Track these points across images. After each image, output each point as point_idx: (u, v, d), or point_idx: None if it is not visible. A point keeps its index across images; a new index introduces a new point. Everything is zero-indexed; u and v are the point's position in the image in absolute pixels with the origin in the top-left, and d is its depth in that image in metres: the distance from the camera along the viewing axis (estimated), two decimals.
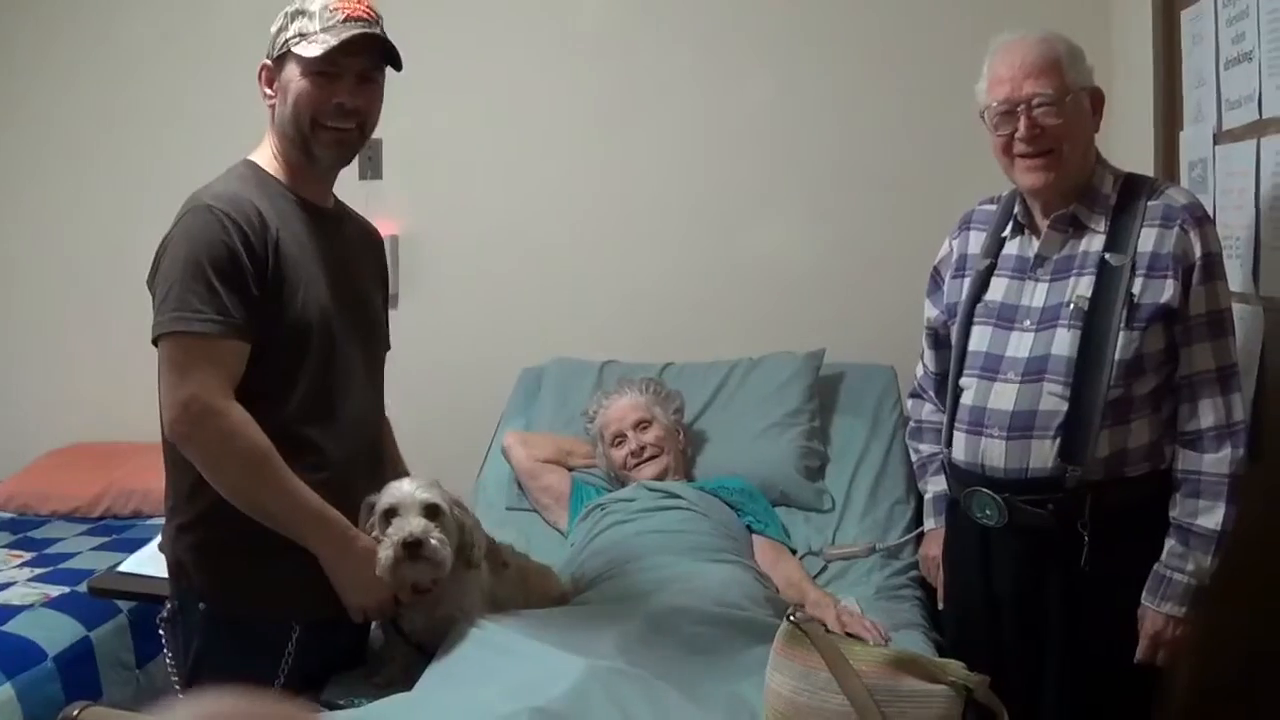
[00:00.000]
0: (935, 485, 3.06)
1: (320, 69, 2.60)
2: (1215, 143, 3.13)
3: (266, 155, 2.72)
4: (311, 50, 2.58)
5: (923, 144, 4.39)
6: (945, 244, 3.00)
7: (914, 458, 3.20)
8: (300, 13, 2.63)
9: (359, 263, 2.87)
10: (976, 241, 2.88)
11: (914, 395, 3.18)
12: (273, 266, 2.55)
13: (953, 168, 4.00)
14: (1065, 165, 2.64)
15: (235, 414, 2.47)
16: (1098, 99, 2.69)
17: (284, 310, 2.57)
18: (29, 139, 5.07)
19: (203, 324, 2.45)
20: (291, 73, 2.63)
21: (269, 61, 2.67)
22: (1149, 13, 3.59)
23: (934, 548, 3.11)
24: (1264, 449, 2.75)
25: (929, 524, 3.15)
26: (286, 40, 2.62)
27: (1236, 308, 2.71)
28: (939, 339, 3.00)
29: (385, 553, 2.59)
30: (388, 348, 3.03)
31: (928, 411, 3.10)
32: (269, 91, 2.68)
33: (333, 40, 2.58)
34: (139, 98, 4.91)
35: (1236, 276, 2.90)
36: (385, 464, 2.86)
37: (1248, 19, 2.92)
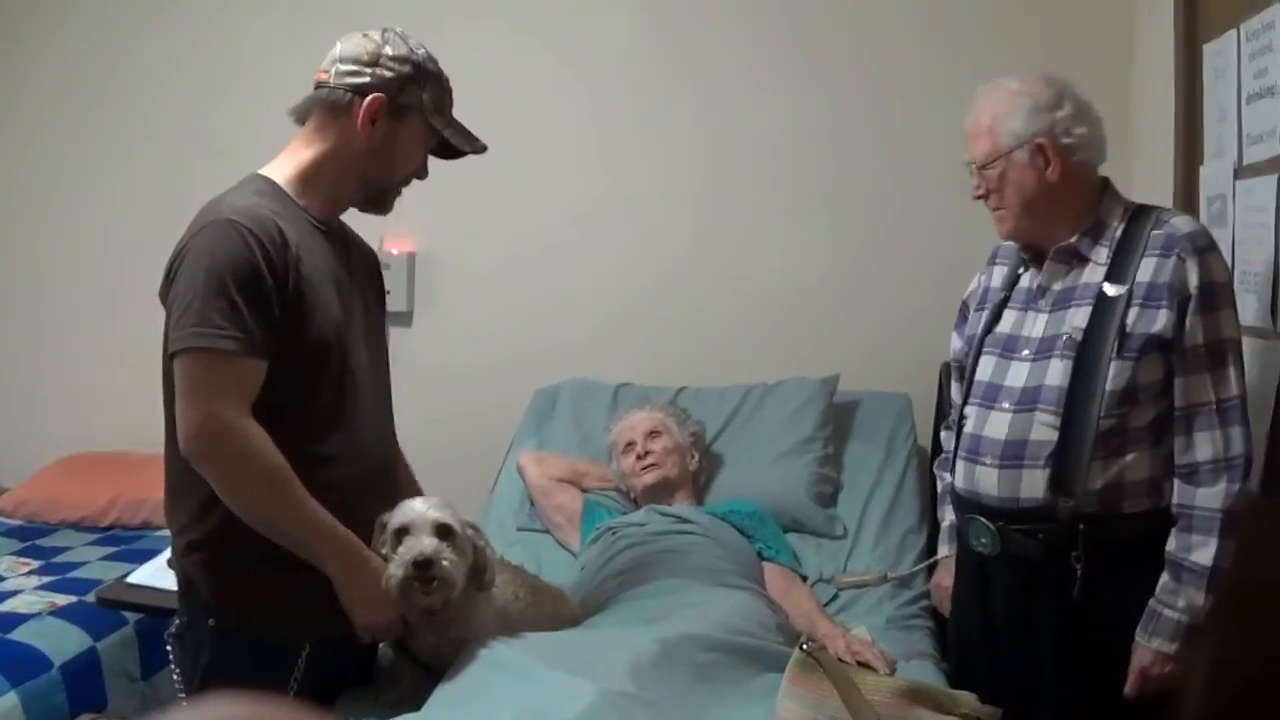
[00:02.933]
0: (950, 514, 3.06)
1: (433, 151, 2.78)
2: (1236, 177, 3.11)
3: (285, 172, 2.68)
4: (458, 142, 2.74)
5: (939, 171, 4.34)
6: (975, 278, 3.03)
7: (939, 486, 3.21)
8: (429, 76, 2.68)
9: (364, 281, 2.87)
10: (999, 275, 2.92)
11: (946, 427, 3.18)
12: (293, 285, 2.53)
13: (969, 197, 3.98)
14: (1019, 219, 2.71)
15: (253, 433, 2.46)
16: (1052, 148, 2.65)
17: (303, 329, 2.55)
18: (47, 154, 5.07)
19: (224, 341, 2.43)
20: (414, 135, 2.70)
21: (385, 99, 2.63)
22: (1171, 46, 3.58)
23: (946, 577, 3.11)
24: None
25: (943, 550, 3.16)
26: (423, 101, 2.67)
27: (1253, 343, 2.70)
28: (963, 372, 3.00)
29: (395, 571, 2.58)
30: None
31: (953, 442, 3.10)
32: (365, 123, 2.63)
33: (469, 147, 2.76)
34: (157, 115, 4.91)
35: (1254, 311, 2.89)
36: (397, 482, 2.85)
37: (1271, 54, 2.91)
